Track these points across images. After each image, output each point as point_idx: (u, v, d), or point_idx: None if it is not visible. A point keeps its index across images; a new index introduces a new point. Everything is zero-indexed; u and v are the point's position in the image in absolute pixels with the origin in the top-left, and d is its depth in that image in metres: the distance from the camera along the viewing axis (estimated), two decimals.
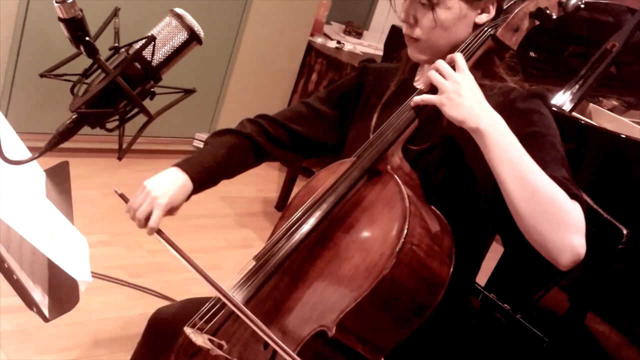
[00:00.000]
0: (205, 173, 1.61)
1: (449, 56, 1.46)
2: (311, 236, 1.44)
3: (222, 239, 3.50)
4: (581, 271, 2.30)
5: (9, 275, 1.15)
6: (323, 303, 1.38)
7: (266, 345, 1.41)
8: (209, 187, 1.64)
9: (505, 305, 1.76)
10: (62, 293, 1.24)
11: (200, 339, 1.42)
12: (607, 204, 1.69)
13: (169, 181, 1.56)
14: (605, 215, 1.65)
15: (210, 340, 1.44)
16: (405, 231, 1.33)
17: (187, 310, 1.68)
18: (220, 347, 1.45)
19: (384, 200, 1.42)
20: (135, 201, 1.56)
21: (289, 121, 1.74)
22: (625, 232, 1.63)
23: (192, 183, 1.58)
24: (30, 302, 1.16)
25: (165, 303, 2.80)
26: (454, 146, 1.53)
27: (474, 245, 1.59)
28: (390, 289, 1.33)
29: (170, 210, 1.56)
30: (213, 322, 1.51)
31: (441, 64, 1.43)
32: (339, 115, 1.74)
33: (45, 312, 1.17)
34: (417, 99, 1.45)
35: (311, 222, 1.44)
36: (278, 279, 1.47)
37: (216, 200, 3.80)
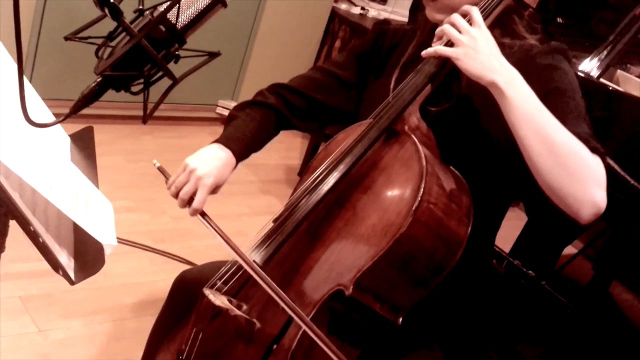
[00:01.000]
0: (245, 148, 1.60)
1: (463, 8, 1.43)
2: (329, 197, 1.44)
3: (245, 206, 3.51)
4: (606, 239, 2.29)
5: (35, 239, 1.16)
6: (340, 263, 1.39)
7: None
8: (243, 160, 1.63)
9: (530, 272, 1.75)
10: (88, 256, 1.25)
11: (219, 300, 1.43)
12: (634, 171, 1.67)
13: (212, 159, 1.53)
14: (632, 183, 1.63)
15: (229, 300, 1.45)
16: (422, 189, 1.33)
17: (210, 273, 1.69)
18: (239, 307, 1.46)
19: (401, 160, 1.41)
20: (178, 179, 1.51)
21: (309, 90, 1.71)
22: None
23: (236, 159, 1.57)
24: (56, 265, 1.16)
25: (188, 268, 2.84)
26: (472, 107, 1.51)
27: (493, 205, 1.58)
28: (407, 247, 1.33)
29: (214, 190, 1.53)
30: (232, 283, 1.52)
31: (456, 17, 1.40)
32: (358, 78, 1.72)
33: (72, 275, 1.17)
34: (430, 50, 1.41)
35: (329, 183, 1.44)
36: (296, 239, 1.47)
37: (239, 167, 3.80)
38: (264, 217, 3.45)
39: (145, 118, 1.14)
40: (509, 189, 1.59)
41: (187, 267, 2.86)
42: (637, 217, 1.61)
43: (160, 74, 1.12)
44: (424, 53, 1.43)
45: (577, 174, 1.30)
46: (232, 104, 4.14)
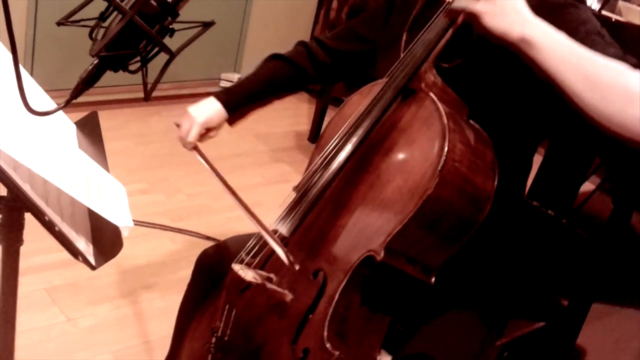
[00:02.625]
0: (241, 103, 1.77)
1: None
2: (349, 162, 1.43)
3: (259, 176, 3.51)
4: (625, 170, 2.27)
5: (51, 228, 1.16)
6: (368, 228, 1.38)
7: (315, 273, 1.42)
8: (246, 113, 1.82)
9: (549, 211, 1.74)
10: (106, 240, 1.25)
11: (249, 274, 1.43)
12: None
13: (206, 105, 1.74)
14: None
15: (258, 274, 1.45)
16: (446, 148, 1.31)
17: (232, 248, 1.71)
18: (269, 280, 1.46)
19: (420, 119, 1.39)
20: (181, 125, 1.73)
21: (333, 43, 1.78)
22: None
23: (226, 111, 1.74)
24: (75, 252, 1.16)
25: (209, 244, 2.84)
26: (486, 58, 1.48)
27: (518, 154, 1.56)
28: (435, 208, 1.32)
29: (208, 131, 1.74)
30: (260, 256, 1.52)
31: None
32: (375, 36, 1.72)
33: (91, 260, 1.18)
34: (456, 5, 1.36)
35: (348, 148, 1.43)
36: (320, 208, 1.46)
37: (250, 139, 3.80)
38: (278, 185, 3.46)
39: (147, 95, 1.14)
40: (532, 135, 1.57)
41: (207, 242, 2.88)
42: None
43: (156, 49, 1.11)
44: (447, 12, 1.39)
45: (627, 96, 1.25)
46: (236, 76, 4.14)
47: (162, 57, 1.16)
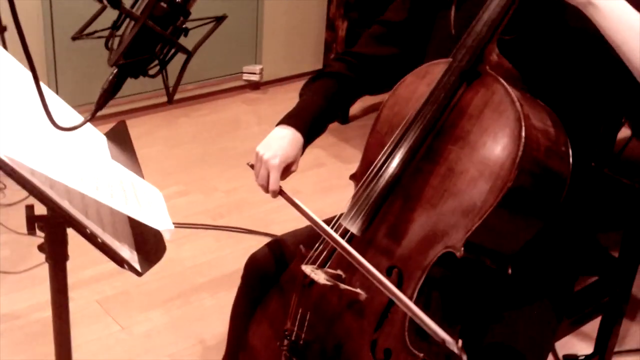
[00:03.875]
0: (310, 121, 1.61)
1: None
2: (417, 152, 1.38)
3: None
4: None
5: (94, 240, 1.17)
6: (444, 223, 1.32)
7: (389, 271, 1.37)
8: (319, 135, 1.65)
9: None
10: (149, 246, 1.25)
11: (322, 277, 1.40)
12: None
13: (276, 140, 1.57)
14: None
15: (330, 275, 1.41)
16: (524, 138, 1.25)
17: (281, 249, 1.69)
18: (340, 278, 1.42)
19: (491, 105, 1.32)
20: (255, 170, 1.59)
21: (369, 48, 1.68)
22: None
23: (301, 134, 1.58)
24: (120, 261, 1.17)
25: (252, 238, 2.87)
26: (544, 30, 1.44)
27: (587, 129, 1.51)
28: (515, 199, 1.27)
29: (288, 168, 1.58)
30: (325, 254, 1.48)
31: None
32: (415, 17, 1.64)
33: (137, 267, 1.18)
34: None
35: (413, 137, 1.38)
36: (389, 201, 1.41)
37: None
38: (313, 170, 3.45)
39: (170, 98, 1.14)
40: (594, 108, 1.52)
41: (250, 236, 2.89)
42: None
43: (173, 50, 1.11)
44: None
45: None
46: (257, 68, 4.13)
47: (180, 58, 1.16)
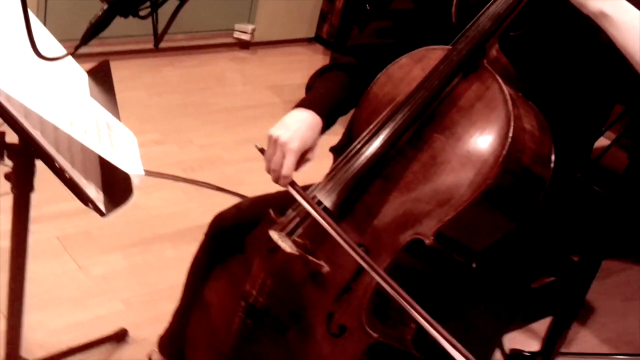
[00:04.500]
0: (329, 106, 1.52)
1: None
2: (403, 136, 1.37)
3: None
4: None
5: (62, 175, 1.17)
6: (419, 210, 1.32)
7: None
8: (332, 124, 1.54)
9: None
10: (116, 188, 1.25)
11: (287, 245, 1.39)
12: None
13: (295, 123, 1.47)
14: None
15: (296, 244, 1.41)
16: (510, 138, 1.25)
17: (250, 212, 1.67)
18: (304, 247, 1.42)
19: (483, 100, 1.32)
20: (267, 153, 1.46)
21: (375, 38, 1.62)
22: None
23: (321, 118, 1.49)
24: (85, 199, 1.17)
25: (221, 195, 2.87)
26: (550, 28, 1.42)
27: (572, 136, 1.50)
28: (492, 198, 1.27)
29: (304, 154, 1.47)
30: (296, 223, 1.47)
31: None
32: (418, 4, 1.61)
33: (101, 207, 1.18)
34: None
35: (401, 120, 1.36)
36: (368, 179, 1.40)
37: (262, 90, 3.78)
38: None
39: (157, 42, 1.13)
40: (592, 111, 1.52)
41: (219, 194, 2.89)
42: None
43: None
44: None
45: None
46: (250, 27, 4.10)
47: (173, 4, 1.14)
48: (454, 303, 1.46)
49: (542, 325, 1.98)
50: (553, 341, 1.94)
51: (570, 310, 1.89)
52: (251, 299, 1.46)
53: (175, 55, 3.87)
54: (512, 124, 1.26)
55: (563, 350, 2.14)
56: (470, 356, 1.16)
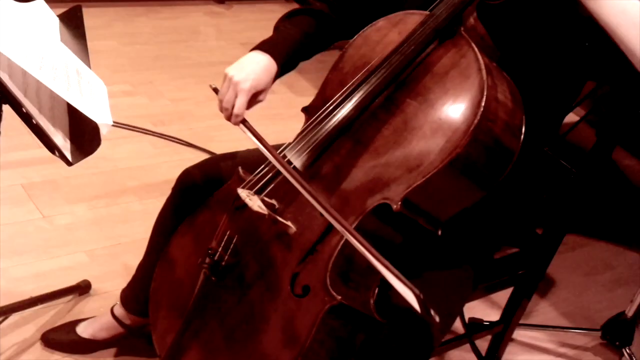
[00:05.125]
0: (287, 52, 1.53)
1: None
2: (376, 99, 1.37)
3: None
4: (609, 103, 2.26)
5: (29, 120, 1.14)
6: (388, 174, 1.32)
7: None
8: (290, 70, 1.57)
9: None
10: (84, 137, 1.23)
11: (256, 203, 1.38)
12: None
13: (250, 64, 1.50)
14: None
15: (263, 201, 1.40)
16: (482, 107, 1.25)
17: (217, 169, 1.67)
18: (273, 207, 1.42)
19: (458, 67, 1.32)
20: (221, 92, 1.49)
21: None
22: None
23: (276, 63, 1.51)
24: (52, 147, 1.15)
25: (190, 150, 2.85)
26: (528, 0, 1.42)
27: (544, 109, 1.51)
28: (461, 166, 1.27)
29: (256, 95, 1.50)
30: (265, 182, 1.46)
31: None
32: None
33: (68, 155, 1.16)
34: None
35: (374, 84, 1.36)
36: (338, 142, 1.40)
37: (236, 46, 3.73)
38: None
39: None
40: (565, 85, 1.52)
41: (188, 149, 2.87)
42: None
43: None
44: None
45: None
46: None
47: None
48: (417, 268, 1.47)
49: (502, 296, 2.00)
50: (512, 312, 1.96)
51: (531, 282, 1.91)
52: (216, 255, 1.45)
53: (149, 6, 3.81)
54: (485, 92, 1.26)
55: (522, 321, 2.17)
56: (430, 308, 1.16)
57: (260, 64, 1.50)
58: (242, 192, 1.42)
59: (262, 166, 1.49)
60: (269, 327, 1.37)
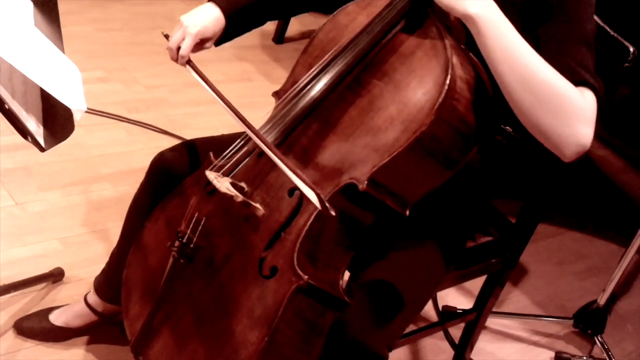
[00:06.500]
0: (238, 10, 1.60)
1: None
2: (342, 80, 1.38)
3: (220, 73, 3.45)
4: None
5: (1, 106, 1.13)
6: (355, 154, 1.34)
7: (291, 192, 1.38)
8: (238, 33, 1.64)
9: (507, 127, 1.75)
10: (57, 122, 1.22)
11: (223, 185, 1.39)
12: (614, 21, 1.64)
13: (201, 13, 1.59)
14: (611, 33, 1.60)
15: (232, 184, 1.41)
16: (447, 85, 1.26)
17: (191, 154, 1.68)
18: (242, 190, 1.42)
19: (423, 47, 1.33)
20: (172, 35, 1.58)
21: None
22: (632, 49, 1.58)
23: (225, 18, 1.58)
24: (24, 132, 1.14)
25: (165, 138, 2.83)
26: None
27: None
28: (426, 144, 1.29)
29: (202, 42, 1.58)
30: (233, 163, 1.48)
31: None
32: None
33: (41, 141, 1.16)
34: None
35: (341, 65, 1.38)
36: (306, 123, 1.42)
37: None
38: (240, 83, 3.42)
39: None
40: None
41: (163, 136, 2.85)
42: (615, 69, 1.59)
43: None
44: None
45: (559, 112, 1.27)
46: None
47: None
48: (386, 250, 1.49)
49: (476, 285, 2.01)
50: (485, 300, 1.98)
51: (504, 271, 1.92)
52: (185, 238, 1.46)
53: None
54: (449, 71, 1.28)
55: (495, 309, 2.18)
56: (328, 205, 1.21)
57: (210, 14, 1.58)
58: (210, 174, 1.43)
59: (230, 148, 1.50)
60: (237, 309, 1.38)
